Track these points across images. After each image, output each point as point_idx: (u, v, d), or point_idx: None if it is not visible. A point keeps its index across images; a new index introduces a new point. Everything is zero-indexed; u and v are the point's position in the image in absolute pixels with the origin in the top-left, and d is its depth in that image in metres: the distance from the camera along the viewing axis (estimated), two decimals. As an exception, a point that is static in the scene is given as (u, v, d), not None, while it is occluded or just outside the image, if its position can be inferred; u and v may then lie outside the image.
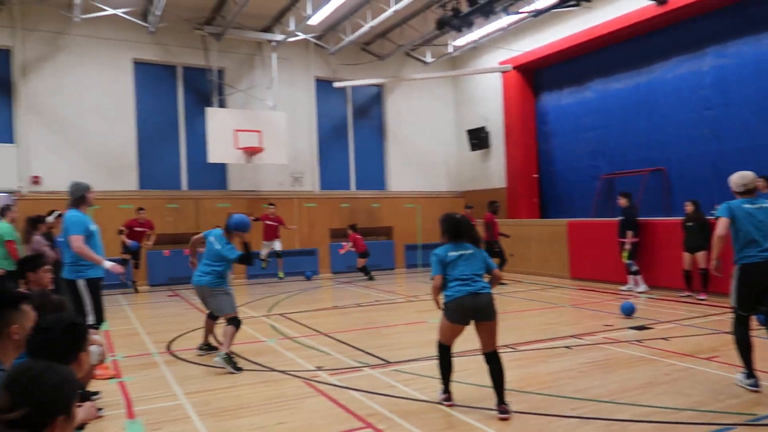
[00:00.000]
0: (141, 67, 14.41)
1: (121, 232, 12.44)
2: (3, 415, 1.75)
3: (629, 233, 10.80)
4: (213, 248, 6.49)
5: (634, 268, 10.93)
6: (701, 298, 9.68)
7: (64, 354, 2.46)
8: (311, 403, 4.95)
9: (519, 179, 15.71)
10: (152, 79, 14.61)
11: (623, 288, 11.14)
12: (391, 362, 6.23)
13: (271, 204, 14.12)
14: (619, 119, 13.54)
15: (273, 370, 6.03)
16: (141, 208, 12.85)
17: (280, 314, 9.53)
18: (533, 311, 9.38)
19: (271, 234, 13.87)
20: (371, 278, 14.25)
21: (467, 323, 4.66)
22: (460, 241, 4.79)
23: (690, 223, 9.98)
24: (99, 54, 13.75)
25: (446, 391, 4.84)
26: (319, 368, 6.04)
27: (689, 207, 10.02)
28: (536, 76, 15.90)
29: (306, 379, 5.66)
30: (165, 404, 5.02)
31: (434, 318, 8.90)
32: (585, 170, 14.52)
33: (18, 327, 2.74)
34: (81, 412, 2.57)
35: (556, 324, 8.19)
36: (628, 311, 8.31)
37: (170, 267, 13.64)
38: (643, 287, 10.88)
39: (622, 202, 11.06)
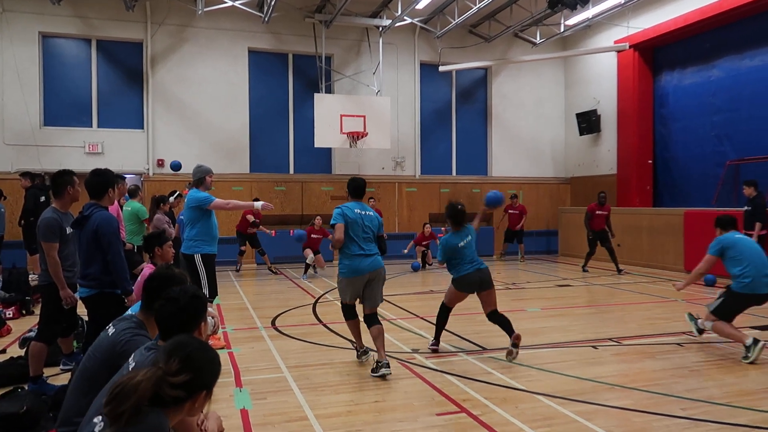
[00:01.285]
0: (255, 56, 15.13)
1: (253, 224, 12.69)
2: (171, 377, 1.99)
3: (757, 225, 9.88)
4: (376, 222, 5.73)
5: (762, 263, 10.01)
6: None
7: (188, 322, 2.66)
8: (407, 384, 5.03)
9: (631, 165, 14.85)
10: (265, 67, 15.29)
11: (747, 284, 10.25)
12: (487, 349, 6.19)
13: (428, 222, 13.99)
14: (751, 100, 12.33)
15: (370, 350, 6.17)
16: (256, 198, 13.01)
17: (380, 296, 9.70)
18: (640, 305, 8.89)
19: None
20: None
21: None
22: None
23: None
24: (218, 44, 14.59)
25: (435, 337, 6.09)
26: (415, 351, 6.12)
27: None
28: (656, 54, 14.85)
29: (402, 360, 5.75)
30: (269, 376, 5.31)
31: (532, 307, 8.74)
32: (708, 156, 13.41)
33: None
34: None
35: (667, 319, 7.70)
36: (710, 282, 9.99)
37: (276, 247, 14.27)
38: (771, 284, 9.96)
39: (748, 191, 10.15)
